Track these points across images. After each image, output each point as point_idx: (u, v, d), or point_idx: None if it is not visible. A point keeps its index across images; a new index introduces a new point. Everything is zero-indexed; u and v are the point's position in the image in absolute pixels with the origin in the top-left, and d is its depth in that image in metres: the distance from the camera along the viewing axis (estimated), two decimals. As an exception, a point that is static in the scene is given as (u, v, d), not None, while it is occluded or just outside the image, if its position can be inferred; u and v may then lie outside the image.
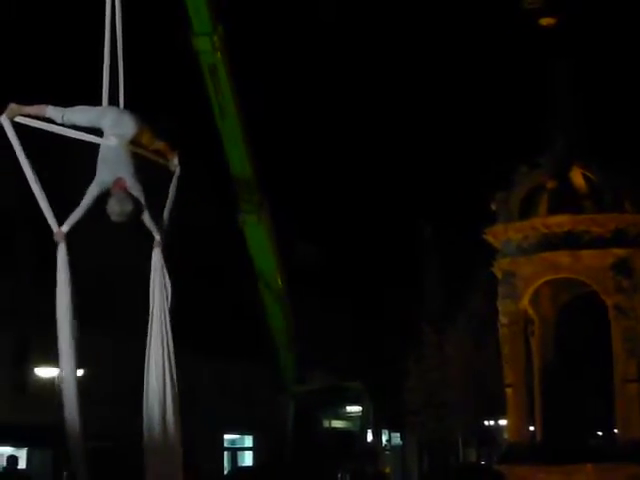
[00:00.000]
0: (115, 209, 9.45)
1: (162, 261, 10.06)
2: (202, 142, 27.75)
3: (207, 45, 21.06)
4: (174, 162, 10.59)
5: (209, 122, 22.48)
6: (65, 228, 9.53)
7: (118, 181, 9.56)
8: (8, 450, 31.10)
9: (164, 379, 9.99)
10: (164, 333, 10.02)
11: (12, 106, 9.87)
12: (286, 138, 51.86)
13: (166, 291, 10.11)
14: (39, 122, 9.85)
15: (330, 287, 49.83)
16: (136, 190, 9.60)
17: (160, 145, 10.31)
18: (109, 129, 9.71)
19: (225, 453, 46.42)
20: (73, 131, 9.85)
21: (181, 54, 22.52)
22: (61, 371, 9.67)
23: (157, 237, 10.10)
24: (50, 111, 9.85)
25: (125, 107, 10.13)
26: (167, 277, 10.09)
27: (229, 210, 24.34)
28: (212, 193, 38.14)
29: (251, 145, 22.92)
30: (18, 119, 9.81)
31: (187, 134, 38.52)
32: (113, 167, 9.61)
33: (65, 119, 9.79)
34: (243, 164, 22.84)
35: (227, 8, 22.04)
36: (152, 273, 10.07)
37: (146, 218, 9.95)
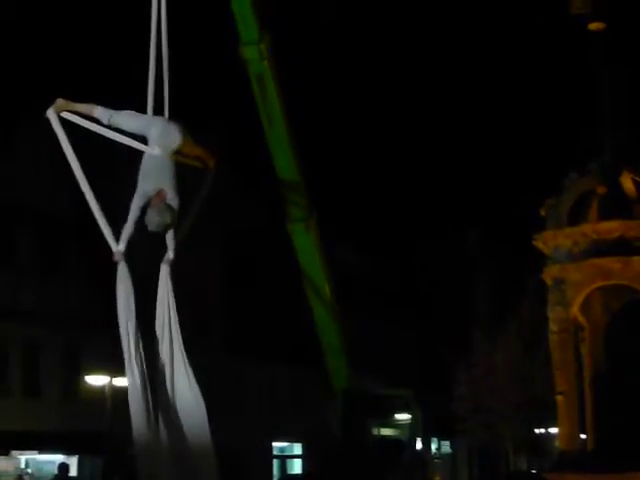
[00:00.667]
0: (155, 220, 9.45)
1: (169, 278, 9.92)
2: (251, 149, 27.85)
3: (254, 54, 21.12)
4: (211, 166, 10.52)
5: (257, 129, 22.53)
6: (122, 247, 9.62)
7: (160, 192, 9.54)
8: (59, 457, 31.37)
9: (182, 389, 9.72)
10: (180, 349, 9.82)
11: (59, 101, 9.91)
12: (337, 146, 51.99)
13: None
14: (84, 120, 9.85)
15: (379, 295, 49.75)
16: (175, 203, 9.58)
17: (199, 151, 10.29)
18: (155, 139, 9.68)
19: (274, 461, 46.46)
20: (118, 134, 9.85)
21: (229, 62, 22.63)
22: (130, 381, 9.63)
23: (171, 255, 10.00)
24: (99, 111, 9.86)
25: (170, 114, 10.14)
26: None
27: (278, 217, 24.33)
28: (263, 201, 38.28)
29: (299, 153, 22.92)
30: (64, 115, 9.84)
31: (236, 141, 38.77)
32: (155, 177, 9.59)
33: (112, 121, 9.80)
34: (291, 171, 22.84)
35: (274, 16, 22.13)
36: (161, 289, 9.87)
37: (169, 233, 9.94)
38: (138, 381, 9.49)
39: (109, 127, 9.82)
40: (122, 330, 9.51)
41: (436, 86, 63.00)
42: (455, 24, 62.60)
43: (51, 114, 9.84)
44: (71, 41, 35.42)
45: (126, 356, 9.52)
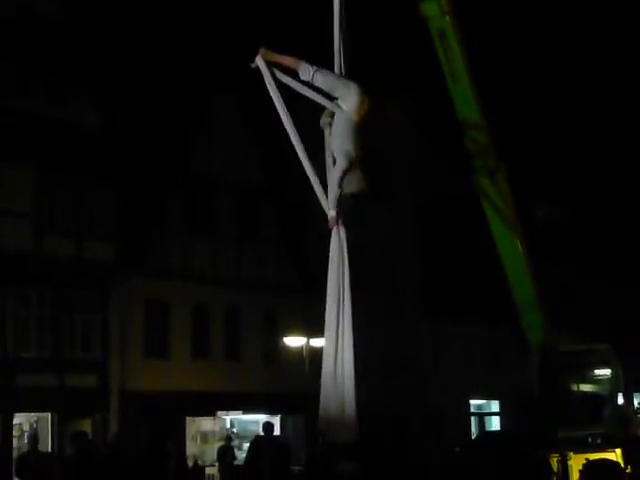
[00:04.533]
0: (359, 185, 9.38)
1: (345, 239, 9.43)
2: (438, 109, 27.64)
3: (435, 10, 20.87)
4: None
5: (442, 88, 22.35)
6: (333, 212, 9.34)
7: (358, 157, 9.41)
8: (262, 417, 32.32)
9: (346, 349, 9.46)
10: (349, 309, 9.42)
11: (263, 50, 9.74)
12: (524, 97, 51.02)
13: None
14: (281, 74, 9.66)
15: (575, 247, 48.78)
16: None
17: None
18: (352, 104, 9.50)
19: (472, 418, 46.54)
20: (316, 94, 9.64)
21: (410, 20, 22.48)
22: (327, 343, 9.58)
23: (341, 217, 9.54)
24: (304, 65, 9.65)
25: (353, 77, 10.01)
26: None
27: (468, 175, 24.07)
28: (455, 160, 37.99)
29: (485, 108, 22.61)
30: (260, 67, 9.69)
31: (421, 101, 38.58)
32: (355, 142, 9.41)
33: (314, 77, 9.57)
34: (477, 127, 22.57)
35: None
36: (339, 252, 9.35)
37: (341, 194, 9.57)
38: (335, 344, 9.40)
39: (306, 84, 9.62)
40: (330, 295, 9.33)
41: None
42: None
43: (260, 62, 9.66)
44: (258, 11, 36.15)
45: (328, 320, 9.38)
